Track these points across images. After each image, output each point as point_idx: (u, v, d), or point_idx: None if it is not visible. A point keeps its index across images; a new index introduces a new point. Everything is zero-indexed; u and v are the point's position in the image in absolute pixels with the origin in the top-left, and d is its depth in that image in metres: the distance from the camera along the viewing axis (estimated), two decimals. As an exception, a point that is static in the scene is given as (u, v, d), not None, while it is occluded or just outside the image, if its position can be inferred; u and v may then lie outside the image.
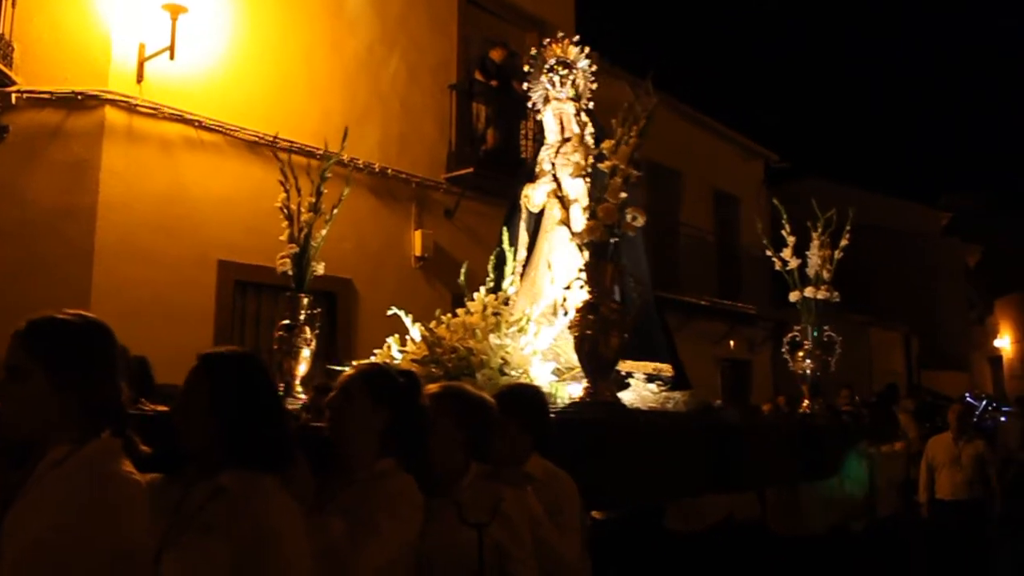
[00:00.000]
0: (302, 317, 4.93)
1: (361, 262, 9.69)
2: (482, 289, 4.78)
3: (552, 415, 3.54)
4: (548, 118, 5.40)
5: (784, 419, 7.04)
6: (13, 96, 7.68)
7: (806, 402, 5.84)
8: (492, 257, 5.07)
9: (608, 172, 4.07)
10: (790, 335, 5.81)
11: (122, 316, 7.78)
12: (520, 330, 4.37)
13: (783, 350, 5.86)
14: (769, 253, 5.92)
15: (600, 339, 3.88)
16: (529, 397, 3.44)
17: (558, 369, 4.44)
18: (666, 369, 4.91)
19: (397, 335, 4.65)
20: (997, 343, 28.89)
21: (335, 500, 2.44)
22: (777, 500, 6.29)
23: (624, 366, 4.60)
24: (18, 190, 7.61)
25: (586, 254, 4.03)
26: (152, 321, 7.51)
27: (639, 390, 4.63)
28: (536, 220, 5.36)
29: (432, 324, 4.53)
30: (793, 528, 6.14)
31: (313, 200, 5.01)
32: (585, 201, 4.13)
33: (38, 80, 7.80)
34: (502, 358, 4.22)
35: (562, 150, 5.23)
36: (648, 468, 3.89)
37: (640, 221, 4.18)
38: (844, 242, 5.79)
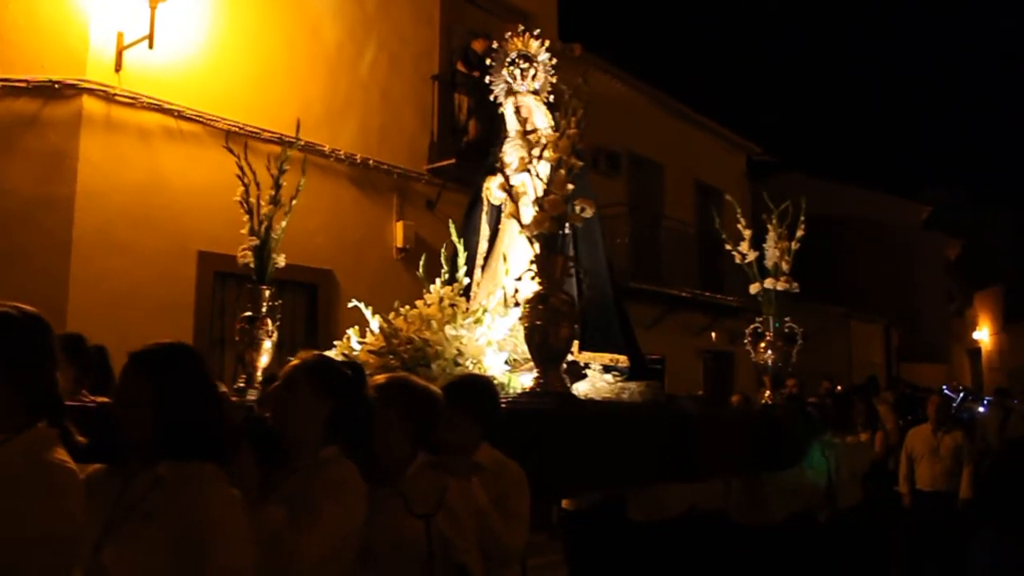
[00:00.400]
0: (264, 309, 4.95)
1: (342, 253, 9.66)
2: (438, 280, 4.82)
3: (502, 405, 3.57)
4: (508, 111, 5.41)
5: (746, 410, 7.15)
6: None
7: (767, 393, 5.91)
8: (443, 249, 5.11)
9: (552, 165, 4.08)
10: (752, 327, 5.89)
11: (100, 307, 7.77)
12: (476, 321, 4.40)
13: (745, 342, 5.96)
14: (728, 247, 6.01)
15: (550, 330, 3.92)
16: (478, 387, 3.45)
17: (513, 360, 4.46)
18: (622, 360, 4.94)
19: (357, 327, 4.68)
20: (976, 335, 29.15)
21: (279, 489, 2.45)
22: (739, 490, 6.32)
23: (581, 357, 4.71)
24: (-6, 180, 7.52)
25: (536, 246, 4.06)
26: (131, 312, 7.47)
27: (595, 380, 4.68)
28: (497, 212, 5.39)
29: (391, 315, 4.56)
30: (755, 518, 6.16)
31: (272, 192, 4.99)
32: (535, 194, 4.16)
33: (15, 69, 7.72)
34: (457, 349, 4.25)
35: (519, 143, 5.22)
36: (600, 457, 3.91)
37: (589, 212, 4.21)
38: (800, 233, 5.83)
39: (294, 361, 2.64)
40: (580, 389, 4.52)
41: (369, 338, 4.53)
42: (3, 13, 7.72)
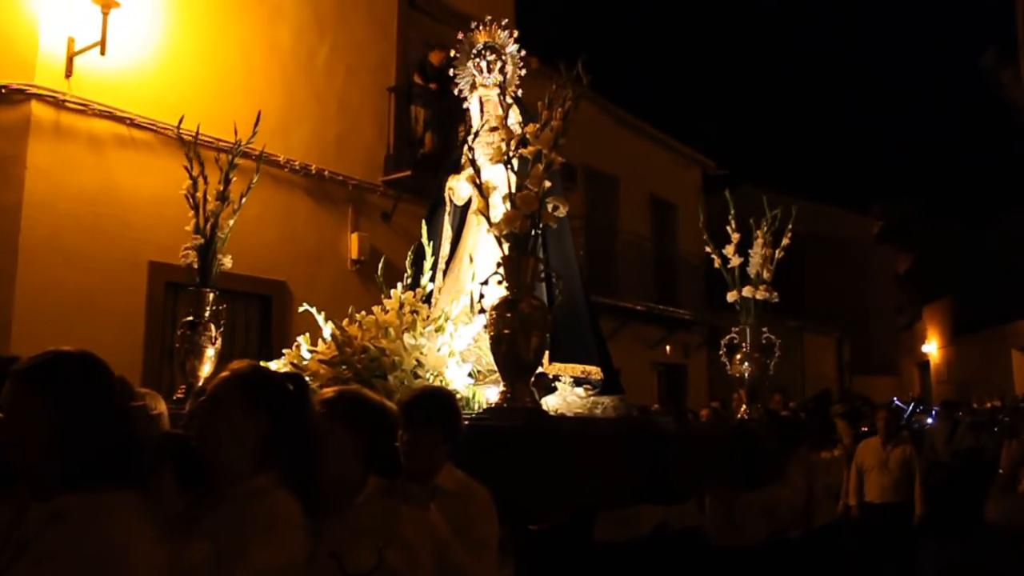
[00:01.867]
0: (207, 314, 4.68)
1: (296, 264, 9.59)
2: (399, 285, 4.55)
3: (465, 422, 3.30)
4: (474, 105, 5.15)
5: (721, 425, 6.93)
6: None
7: (743, 407, 5.61)
8: (410, 253, 4.86)
9: (531, 158, 3.77)
10: (728, 337, 5.64)
11: (49, 317, 7.63)
12: (438, 329, 4.11)
13: (720, 352, 5.68)
14: (709, 249, 5.72)
15: (519, 339, 3.56)
16: (440, 401, 3.19)
17: (477, 372, 4.23)
18: (595, 372, 4.63)
19: (307, 334, 4.40)
20: (925, 348, 29.61)
21: (204, 520, 2.15)
22: (714, 509, 6.16)
23: (551, 369, 4.42)
24: (-61, 186, 7.37)
25: (506, 246, 3.73)
26: (80, 323, 7.35)
27: (565, 394, 4.38)
28: (462, 213, 5.14)
29: (344, 322, 4.30)
30: (731, 537, 6.02)
31: (220, 188, 4.78)
32: (506, 190, 3.83)
33: (-40, 74, 7.57)
34: (416, 359, 3.98)
35: (485, 138, 4.94)
36: (573, 478, 3.60)
37: (562, 211, 3.88)
38: (785, 241, 5.67)
39: (224, 373, 2.31)
40: (550, 404, 4.22)
41: (321, 347, 4.24)
42: (-50, 17, 7.57)
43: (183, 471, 2.28)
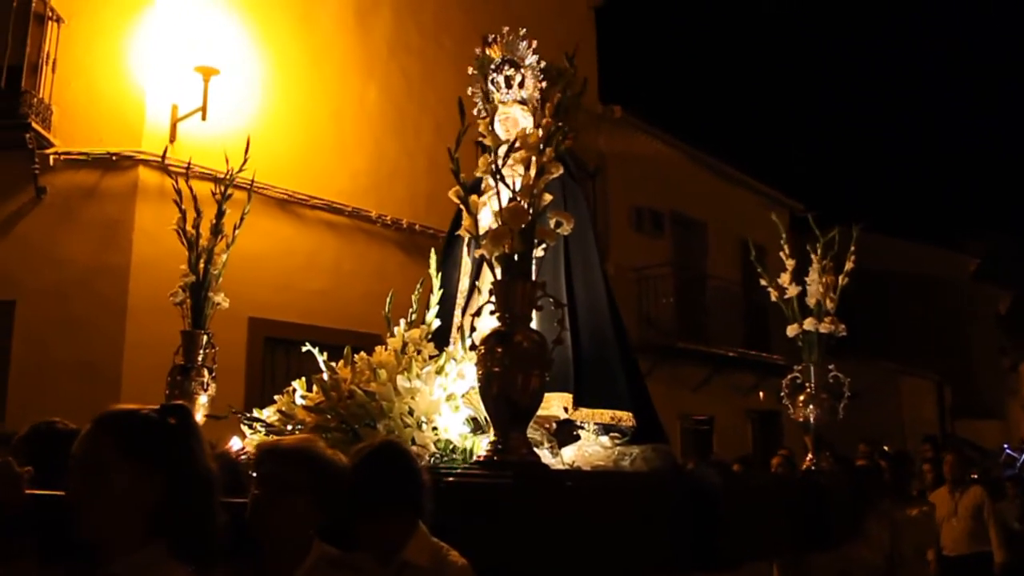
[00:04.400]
0: (200, 358, 4.31)
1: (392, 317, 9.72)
2: (402, 322, 4.09)
3: (425, 479, 2.68)
4: (496, 126, 4.50)
5: (783, 477, 6.36)
6: (51, 158, 7.86)
7: (809, 456, 5.01)
8: (418, 286, 4.37)
9: (523, 165, 3.32)
10: (789, 376, 5.07)
11: (155, 372, 7.82)
12: (439, 371, 3.61)
13: (781, 394, 5.13)
14: (764, 282, 5.25)
15: (512, 378, 3.01)
16: (385, 460, 2.62)
17: (484, 419, 3.60)
18: (626, 418, 4.05)
19: (303, 378, 3.97)
20: (1032, 390, 28.45)
21: None
22: (784, 573, 5.63)
23: (576, 415, 3.93)
24: (55, 249, 7.75)
25: (497, 270, 3.20)
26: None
27: (586, 445, 3.87)
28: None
29: (339, 363, 3.89)
30: None
31: (214, 222, 4.52)
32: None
33: (75, 142, 7.99)
34: (407, 405, 3.50)
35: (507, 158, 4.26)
36: (583, 544, 3.02)
37: (566, 228, 3.36)
38: (849, 266, 5.12)
39: (88, 426, 1.82)
40: (567, 456, 3.75)
41: (314, 391, 3.81)
42: (65, 90, 8.01)
43: (51, 542, 1.93)
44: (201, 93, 8.23)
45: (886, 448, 9.50)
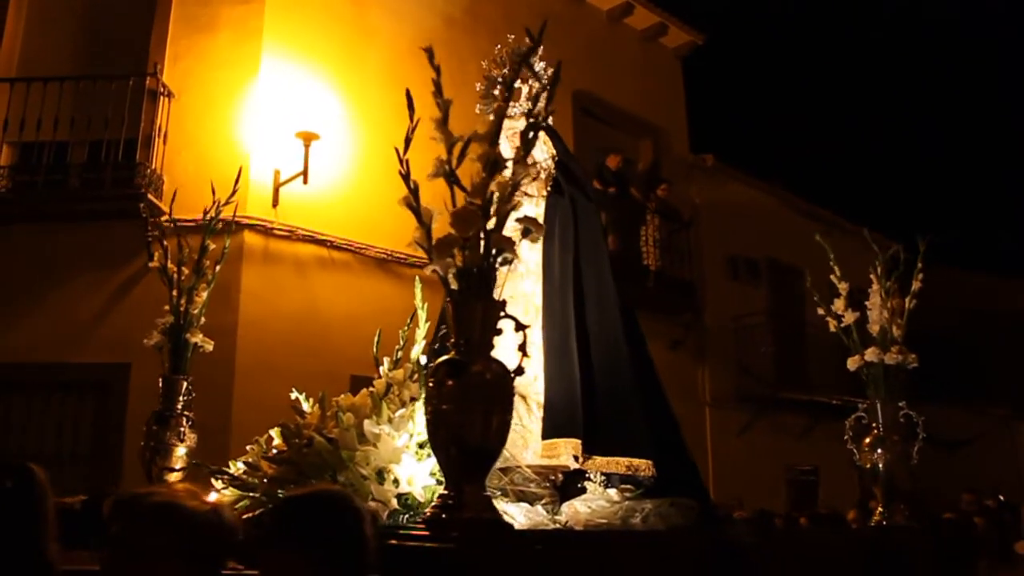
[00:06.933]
0: (179, 405, 4.03)
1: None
2: (386, 361, 3.70)
3: (367, 538, 2.07)
4: (504, 146, 3.97)
5: (847, 534, 5.62)
6: (163, 226, 8.23)
7: (879, 508, 4.36)
8: (409, 320, 3.97)
9: (483, 164, 3.00)
10: (854, 416, 4.56)
11: (261, 429, 8.08)
12: (410, 415, 3.24)
13: (845, 437, 4.59)
14: (821, 311, 4.86)
15: (466, 418, 2.56)
16: (310, 513, 2.03)
17: None
18: (644, 467, 3.48)
19: (280, 426, 3.71)
20: None
21: None
22: None
23: (591, 465, 3.48)
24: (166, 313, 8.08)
25: (453, 287, 2.80)
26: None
27: (591, 499, 3.42)
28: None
29: (310, 406, 3.61)
30: None
31: (196, 258, 4.19)
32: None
33: (185, 209, 8.35)
34: (369, 453, 3.12)
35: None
36: None
37: (536, 239, 3.01)
38: (916, 285, 4.62)
39: None
40: (566, 512, 3.35)
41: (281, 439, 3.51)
42: (176, 160, 8.44)
43: None
44: (302, 157, 8.55)
45: (992, 500, 8.54)
